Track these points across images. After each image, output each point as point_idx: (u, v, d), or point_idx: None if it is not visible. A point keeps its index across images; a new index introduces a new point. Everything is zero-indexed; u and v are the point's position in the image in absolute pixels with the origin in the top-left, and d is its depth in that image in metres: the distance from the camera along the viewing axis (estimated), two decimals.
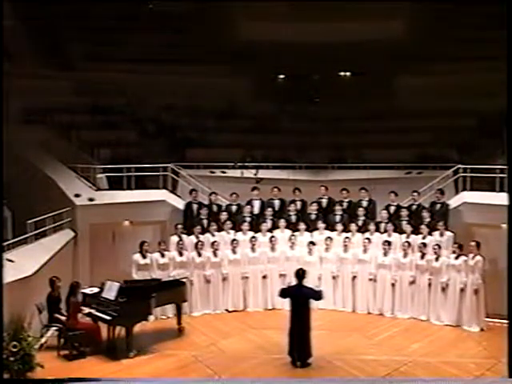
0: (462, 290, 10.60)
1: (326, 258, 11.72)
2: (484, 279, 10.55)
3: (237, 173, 14.39)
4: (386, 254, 11.31)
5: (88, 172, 13.05)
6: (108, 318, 9.23)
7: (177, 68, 16.79)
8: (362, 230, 11.89)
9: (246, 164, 14.64)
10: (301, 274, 9.02)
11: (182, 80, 16.36)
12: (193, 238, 11.63)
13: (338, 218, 12.16)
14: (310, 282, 9.82)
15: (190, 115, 16.58)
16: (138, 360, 9.03)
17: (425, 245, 11.07)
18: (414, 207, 12.07)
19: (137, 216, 12.43)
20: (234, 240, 11.65)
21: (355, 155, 15.55)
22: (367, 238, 11.57)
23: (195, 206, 12.44)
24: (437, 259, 10.85)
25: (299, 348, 8.81)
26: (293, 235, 11.82)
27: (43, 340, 9.16)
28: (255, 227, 12.06)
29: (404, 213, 11.88)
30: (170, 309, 10.75)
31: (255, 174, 13.94)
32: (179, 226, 11.72)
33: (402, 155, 14.81)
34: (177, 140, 15.95)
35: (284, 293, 9.21)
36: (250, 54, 16.93)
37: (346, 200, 12.47)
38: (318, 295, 9.14)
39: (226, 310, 11.61)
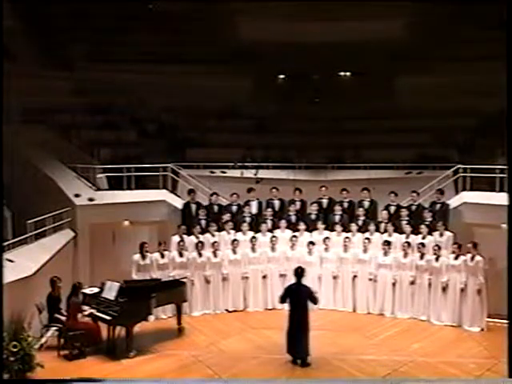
0: (463, 290, 10.61)
1: (326, 258, 11.72)
2: (485, 279, 10.55)
3: (237, 173, 14.40)
4: (386, 254, 11.31)
5: (88, 172, 13.06)
6: (108, 317, 9.24)
7: (177, 68, 16.79)
8: (362, 229, 11.89)
9: (246, 164, 14.64)
10: (299, 272, 9.03)
11: (182, 80, 16.35)
12: (193, 239, 11.63)
13: (337, 218, 12.16)
14: (309, 282, 9.85)
15: (190, 115, 16.57)
16: (138, 360, 9.04)
17: (423, 245, 11.07)
18: (414, 207, 12.07)
19: (137, 216, 12.43)
20: (235, 240, 11.65)
21: (355, 155, 15.54)
22: (367, 238, 11.58)
23: (194, 206, 12.44)
24: (437, 259, 10.85)
25: (298, 346, 8.81)
26: (294, 236, 11.82)
27: (43, 340, 9.19)
28: (254, 227, 12.06)
29: (404, 213, 11.89)
30: (170, 309, 10.75)
31: (255, 174, 13.95)
32: (182, 227, 11.71)
33: (402, 155, 14.81)
34: (177, 140, 15.95)
35: (284, 296, 9.12)
36: (250, 53, 16.92)
37: (346, 200, 12.47)
38: (314, 299, 9.08)
39: (226, 310, 11.61)
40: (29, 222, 10.55)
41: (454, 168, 12.94)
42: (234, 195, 12.60)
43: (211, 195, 12.74)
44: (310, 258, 11.57)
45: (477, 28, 16.62)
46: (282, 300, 9.15)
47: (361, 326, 10.72)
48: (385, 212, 12.03)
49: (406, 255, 11.19)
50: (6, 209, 11.06)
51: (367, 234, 11.70)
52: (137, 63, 16.86)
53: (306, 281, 9.23)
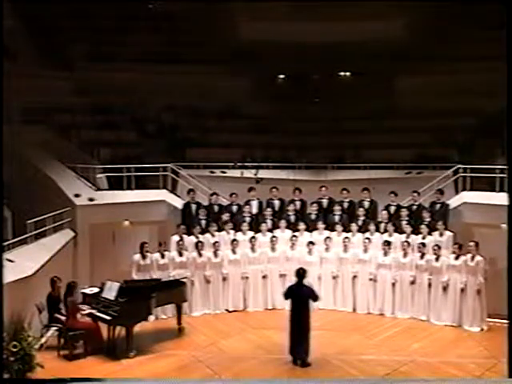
0: (463, 290, 10.61)
1: (326, 258, 11.71)
2: (485, 279, 10.55)
3: (237, 173, 14.40)
4: (386, 254, 11.31)
5: (88, 172, 13.06)
6: (108, 317, 9.24)
7: (177, 68, 16.79)
8: (362, 229, 11.89)
9: (246, 164, 14.64)
10: (301, 273, 9.03)
11: (182, 80, 16.35)
12: (193, 238, 11.63)
13: (337, 218, 12.16)
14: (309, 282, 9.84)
15: (190, 115, 16.58)
16: (138, 360, 9.03)
17: (424, 245, 11.07)
18: (414, 207, 12.07)
19: (137, 216, 12.43)
20: (234, 240, 11.66)
21: (355, 155, 15.55)
22: (367, 238, 11.57)
23: (194, 206, 12.43)
24: (437, 259, 10.85)
25: (299, 346, 8.81)
26: (294, 236, 11.82)
27: (43, 340, 9.18)
28: (254, 227, 12.06)
29: (404, 213, 11.88)
30: (170, 309, 10.75)
31: (255, 174, 13.94)
32: (181, 227, 11.71)
33: (402, 155, 14.82)
34: (177, 140, 15.95)
35: (288, 293, 9.16)
36: (250, 53, 16.94)
37: (347, 200, 12.47)
38: (315, 296, 9.12)
39: (226, 310, 11.61)
40: (29, 222, 10.55)
41: (454, 168, 12.93)
42: (234, 195, 12.60)
43: (211, 195, 12.74)
44: (310, 258, 11.56)
45: (477, 28, 16.63)
46: (286, 297, 9.15)
47: (361, 326, 10.72)
48: (385, 212, 12.03)
49: (405, 255, 11.19)
50: (6, 209, 11.06)
51: (367, 234, 11.70)
52: (137, 63, 16.88)
53: (306, 281, 9.21)
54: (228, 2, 17.11)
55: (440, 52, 16.81)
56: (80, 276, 11.35)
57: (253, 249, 11.70)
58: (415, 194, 12.21)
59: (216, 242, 11.55)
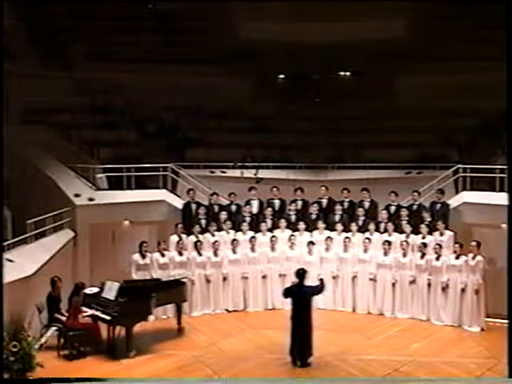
0: (463, 290, 10.60)
1: (326, 258, 11.72)
2: (484, 279, 10.55)
3: (237, 173, 14.39)
4: (386, 254, 11.31)
5: (88, 172, 13.05)
6: (108, 317, 9.24)
7: (177, 68, 16.78)
8: (362, 229, 11.89)
9: (246, 164, 14.63)
10: (301, 273, 9.02)
11: (182, 80, 16.34)
12: (192, 238, 11.63)
13: (337, 217, 12.16)
14: (309, 282, 9.83)
15: (189, 115, 16.57)
16: (138, 360, 9.04)
17: (425, 245, 11.07)
18: (415, 207, 12.06)
19: (137, 216, 12.43)
20: (234, 240, 11.66)
21: (355, 155, 15.54)
22: (367, 238, 11.57)
23: (194, 206, 12.44)
24: (437, 259, 10.85)
25: (301, 348, 8.81)
26: (293, 235, 11.82)
27: (43, 340, 9.18)
28: (255, 227, 12.06)
29: (404, 213, 11.87)
30: (170, 309, 10.75)
31: (255, 174, 13.92)
32: (179, 226, 11.72)
33: (402, 155, 14.80)
34: (177, 140, 15.94)
35: (287, 292, 9.17)
36: (250, 54, 16.91)
37: (347, 200, 12.46)
38: (319, 288, 9.13)
39: (226, 310, 11.61)
40: (29, 221, 10.55)
41: (454, 168, 12.92)
42: (232, 195, 12.61)
43: (211, 195, 12.74)
44: (310, 258, 11.56)
45: (477, 28, 16.62)
46: (285, 296, 9.14)
47: (361, 326, 10.72)
48: (385, 212, 12.02)
49: (405, 255, 11.19)
50: (6, 209, 11.07)
51: (367, 234, 11.70)
52: (137, 63, 16.85)
53: (305, 281, 9.21)
54: (228, 1, 17.10)
55: (440, 52, 16.79)
56: (80, 276, 11.34)
57: (253, 249, 11.70)
58: (415, 194, 12.20)
59: (216, 241, 11.55)
